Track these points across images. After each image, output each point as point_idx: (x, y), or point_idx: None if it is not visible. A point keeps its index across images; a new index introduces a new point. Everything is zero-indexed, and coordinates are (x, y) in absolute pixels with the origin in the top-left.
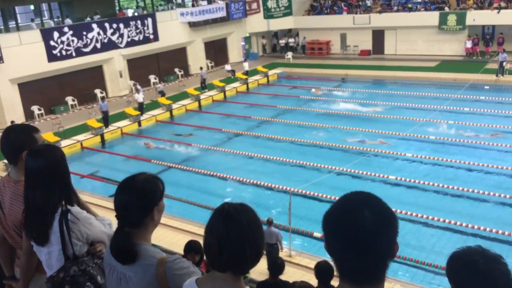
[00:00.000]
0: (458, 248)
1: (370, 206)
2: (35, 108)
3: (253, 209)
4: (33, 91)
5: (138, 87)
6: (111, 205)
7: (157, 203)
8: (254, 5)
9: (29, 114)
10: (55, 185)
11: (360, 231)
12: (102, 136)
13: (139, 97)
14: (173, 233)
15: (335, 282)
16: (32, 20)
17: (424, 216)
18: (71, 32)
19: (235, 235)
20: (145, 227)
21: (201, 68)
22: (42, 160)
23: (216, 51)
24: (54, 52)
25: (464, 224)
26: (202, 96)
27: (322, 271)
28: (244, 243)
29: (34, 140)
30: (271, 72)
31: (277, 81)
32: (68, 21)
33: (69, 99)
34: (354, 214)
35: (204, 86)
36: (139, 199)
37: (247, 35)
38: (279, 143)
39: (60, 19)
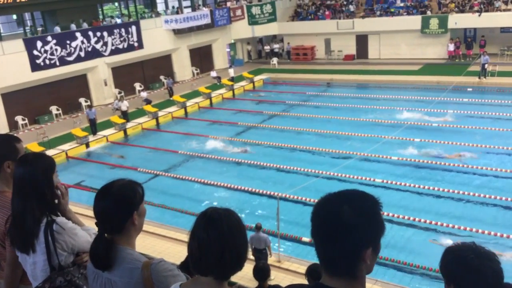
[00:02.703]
0: (453, 243)
1: (352, 202)
2: (19, 118)
3: (238, 215)
4: (17, 101)
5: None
6: None
7: (136, 208)
8: (239, 12)
9: (13, 125)
10: (33, 194)
11: (332, 223)
12: (87, 144)
13: (122, 105)
14: (161, 241)
15: None
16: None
17: (411, 218)
18: (54, 41)
19: (215, 239)
20: (127, 233)
21: (167, 77)
22: (23, 169)
23: (202, 58)
24: (38, 61)
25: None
26: (188, 103)
27: (311, 271)
28: (223, 247)
29: (16, 150)
30: (256, 78)
31: (263, 87)
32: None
33: (54, 109)
34: (332, 207)
35: (171, 93)
36: (117, 205)
37: (232, 41)
38: (266, 149)
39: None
